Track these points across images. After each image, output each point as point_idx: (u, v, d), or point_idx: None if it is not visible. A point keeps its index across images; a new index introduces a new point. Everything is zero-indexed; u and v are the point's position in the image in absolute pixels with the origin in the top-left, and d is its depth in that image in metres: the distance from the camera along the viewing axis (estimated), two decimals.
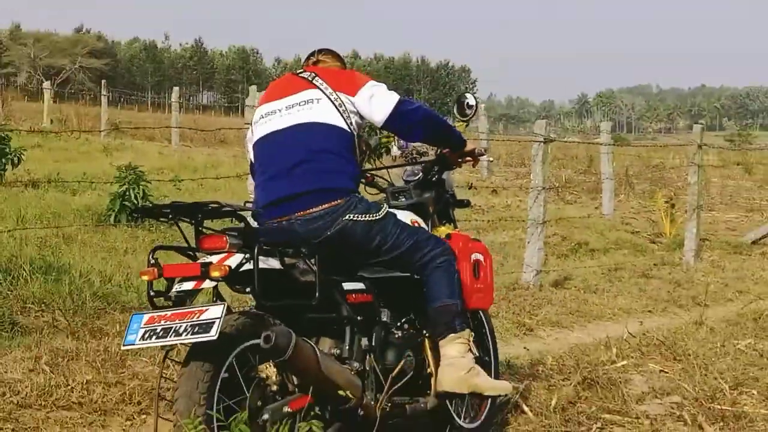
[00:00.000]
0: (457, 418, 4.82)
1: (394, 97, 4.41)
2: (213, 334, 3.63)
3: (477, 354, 4.63)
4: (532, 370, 6.52)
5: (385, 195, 5.10)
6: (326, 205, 4.23)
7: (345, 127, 4.36)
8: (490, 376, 5.09)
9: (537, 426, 5.27)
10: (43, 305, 7.16)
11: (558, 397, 5.69)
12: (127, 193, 11.17)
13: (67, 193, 13.31)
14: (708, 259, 12.31)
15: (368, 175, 5.09)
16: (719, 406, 5.68)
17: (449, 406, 4.76)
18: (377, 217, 4.32)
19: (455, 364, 4.34)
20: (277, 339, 3.75)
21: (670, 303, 9.55)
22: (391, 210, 4.72)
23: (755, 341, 7.60)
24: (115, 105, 44.85)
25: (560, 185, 21.04)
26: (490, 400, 5.12)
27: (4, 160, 13.62)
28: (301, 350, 3.88)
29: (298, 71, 4.64)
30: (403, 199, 4.96)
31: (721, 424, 5.38)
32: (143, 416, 5.19)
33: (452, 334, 4.39)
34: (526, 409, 5.52)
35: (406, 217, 4.73)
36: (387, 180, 5.22)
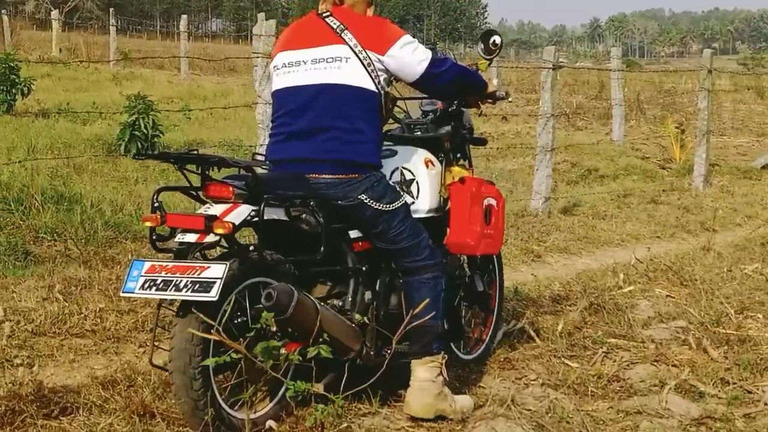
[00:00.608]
0: (456, 350, 4.88)
1: (425, 59, 4.27)
2: (213, 294, 3.64)
3: (446, 378, 4.46)
4: (539, 295, 6.59)
5: (400, 126, 5.04)
6: (345, 176, 4.19)
7: (373, 88, 4.22)
8: (494, 323, 5.26)
9: (543, 350, 5.34)
10: (55, 235, 7.24)
11: (564, 322, 5.77)
12: (137, 123, 11.19)
13: (78, 122, 13.37)
14: (717, 184, 12.30)
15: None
16: (724, 330, 5.72)
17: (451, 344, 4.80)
18: (388, 209, 4.27)
19: (426, 389, 4.27)
20: (278, 297, 3.76)
21: (679, 228, 9.58)
22: (407, 147, 4.74)
23: (762, 266, 7.65)
24: (123, 33, 44.71)
25: (571, 111, 20.98)
26: (490, 327, 5.24)
27: (14, 90, 13.69)
28: (302, 307, 3.89)
29: (323, 13, 4.33)
30: (419, 133, 4.89)
31: (726, 347, 5.41)
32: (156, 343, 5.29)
33: (427, 357, 4.33)
34: (532, 333, 5.59)
35: (420, 156, 4.70)
36: (403, 110, 5.13)
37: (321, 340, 3.99)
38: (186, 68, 24.26)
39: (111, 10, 33.01)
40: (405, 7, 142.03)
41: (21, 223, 7.40)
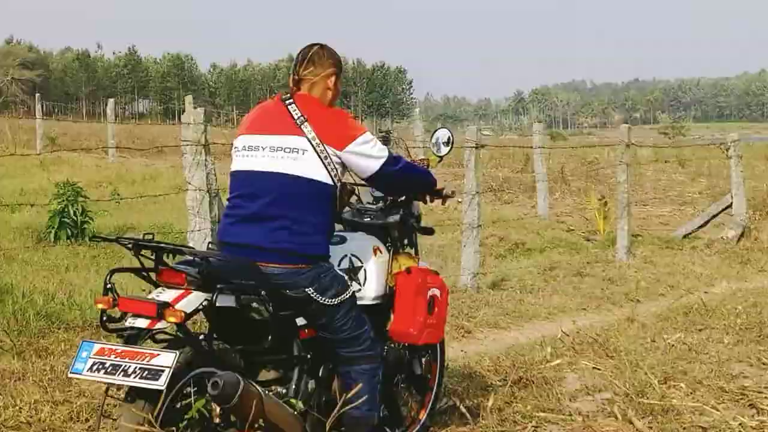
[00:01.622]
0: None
1: (381, 157, 4.32)
2: (161, 383, 3.63)
3: None
4: (470, 372, 6.59)
5: (351, 210, 5.02)
6: (293, 266, 4.20)
7: (329, 181, 4.24)
8: (431, 403, 5.25)
9: (474, 427, 5.35)
10: None
11: (494, 398, 5.74)
12: (66, 210, 11.17)
13: (6, 211, 13.22)
14: (640, 255, 12.42)
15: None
16: (648, 401, 5.78)
17: (385, 427, 4.82)
18: (333, 303, 4.29)
19: None
20: (224, 388, 3.76)
21: (604, 300, 9.67)
22: (357, 234, 4.81)
23: (685, 335, 7.75)
24: (49, 116, 44.20)
25: (497, 186, 21.13)
26: (427, 407, 5.22)
27: None
28: (247, 397, 3.89)
29: (286, 99, 4.37)
30: (368, 219, 4.93)
31: (650, 418, 5.50)
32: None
33: None
34: (463, 410, 5.55)
35: (369, 244, 4.76)
36: (356, 194, 5.05)
37: (263, 425, 4.03)
38: (113, 152, 24.08)
39: (37, 95, 32.67)
40: None
41: None
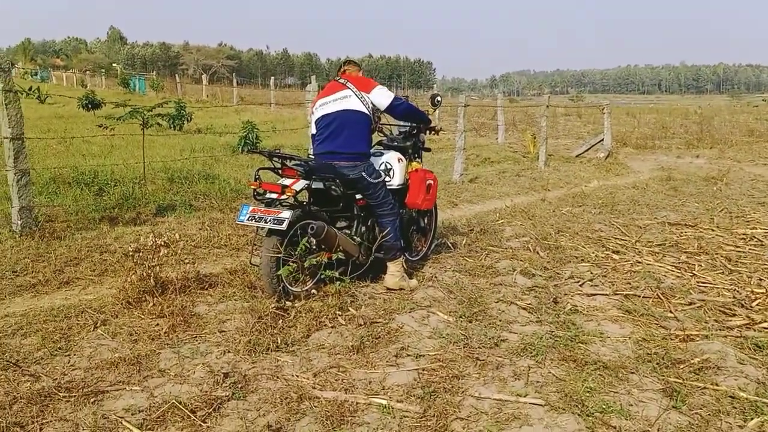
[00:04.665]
0: (407, 256, 4.84)
1: (389, 96, 4.24)
2: (284, 227, 3.72)
3: (405, 268, 4.52)
4: (454, 225, 6.56)
5: (386, 137, 4.95)
6: (351, 162, 4.15)
7: (365, 111, 4.17)
8: (430, 241, 5.14)
9: (455, 254, 5.36)
10: (205, 196, 7.22)
11: (466, 239, 5.80)
12: (248, 136, 11.24)
13: (216, 135, 13.35)
14: (552, 166, 12.10)
15: (380, 126, 4.80)
16: (548, 242, 5.80)
17: (405, 253, 4.77)
18: (374, 181, 4.23)
19: (394, 275, 4.33)
20: (316, 229, 3.84)
21: (530, 189, 9.46)
22: (389, 151, 4.70)
23: (572, 208, 7.66)
24: (240, 85, 44.19)
25: (477, 126, 20.82)
26: (427, 243, 5.15)
27: (183, 119, 13.67)
28: (329, 234, 3.96)
29: (337, 78, 4.39)
30: (395, 143, 4.83)
31: (548, 251, 5.50)
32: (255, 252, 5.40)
33: (395, 260, 4.37)
34: (450, 245, 5.60)
35: (395, 155, 4.68)
36: (388, 130, 5.08)
37: (338, 250, 4.12)
38: (274, 106, 24.05)
39: (233, 74, 32.56)
40: (388, 70, 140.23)
41: (187, 189, 7.41)
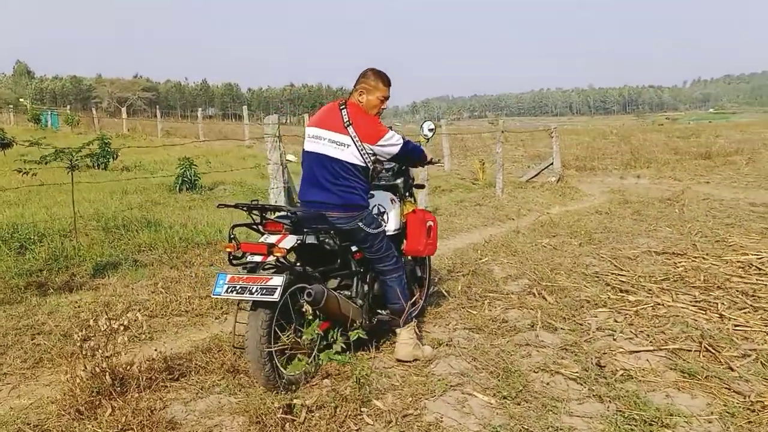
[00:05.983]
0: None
1: (398, 146, 3.67)
2: (276, 297, 3.08)
3: (419, 334, 3.99)
4: (439, 267, 6.00)
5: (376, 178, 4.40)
6: (347, 214, 3.61)
7: (364, 164, 3.61)
8: (426, 291, 4.65)
9: (454, 304, 4.81)
10: (151, 248, 6.31)
11: (460, 284, 5.26)
12: (186, 173, 10.28)
13: (147, 173, 12.24)
14: (507, 192, 11.80)
15: (378, 171, 4.31)
16: (548, 284, 5.30)
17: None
18: (373, 232, 3.70)
19: (407, 344, 3.76)
20: (315, 295, 3.24)
21: (495, 219, 9.10)
22: (378, 192, 4.15)
23: (549, 239, 7.26)
24: (161, 118, 42.62)
25: None
26: (424, 294, 4.61)
27: (109, 156, 12.48)
28: (329, 299, 3.36)
29: (341, 105, 3.70)
30: (384, 182, 4.30)
31: (554, 295, 5.01)
32: (225, 316, 4.58)
33: (406, 326, 3.80)
34: (444, 292, 5.06)
35: (387, 196, 4.14)
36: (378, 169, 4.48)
37: (340, 317, 3.47)
38: (202, 137, 22.85)
39: (153, 106, 31.11)
40: (311, 99, 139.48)
41: (128, 241, 6.43)
